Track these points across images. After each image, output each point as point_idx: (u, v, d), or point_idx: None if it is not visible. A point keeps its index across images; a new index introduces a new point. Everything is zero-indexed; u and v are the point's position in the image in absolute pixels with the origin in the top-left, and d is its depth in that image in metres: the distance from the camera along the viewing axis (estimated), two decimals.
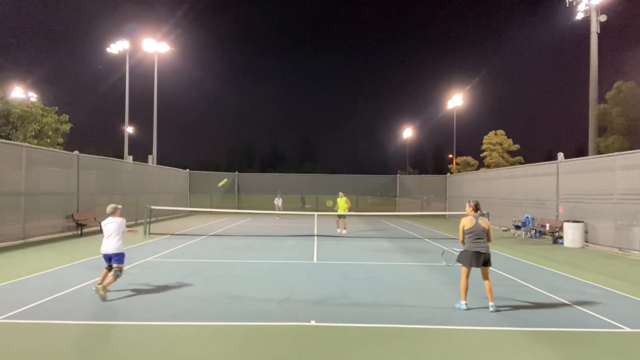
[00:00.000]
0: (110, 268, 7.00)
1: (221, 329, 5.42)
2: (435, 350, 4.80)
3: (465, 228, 6.36)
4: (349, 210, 17.82)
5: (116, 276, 6.87)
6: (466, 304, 6.31)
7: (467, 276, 6.36)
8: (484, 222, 6.38)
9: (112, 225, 7.01)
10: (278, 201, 26.64)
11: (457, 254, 6.63)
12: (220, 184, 18.69)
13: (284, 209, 26.52)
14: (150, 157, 27.96)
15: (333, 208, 18.21)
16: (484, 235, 6.33)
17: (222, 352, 4.65)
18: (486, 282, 6.33)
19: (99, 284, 6.65)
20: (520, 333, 5.37)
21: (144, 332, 5.28)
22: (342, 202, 17.25)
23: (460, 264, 6.43)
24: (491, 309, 6.20)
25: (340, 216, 17.51)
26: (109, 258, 7.02)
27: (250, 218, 25.86)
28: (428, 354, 4.68)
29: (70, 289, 7.23)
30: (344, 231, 17.44)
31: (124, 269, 7.13)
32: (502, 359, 4.62)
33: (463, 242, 6.48)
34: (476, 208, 6.47)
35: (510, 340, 5.14)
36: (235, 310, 6.21)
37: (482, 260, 6.23)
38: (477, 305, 6.43)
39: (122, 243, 7.09)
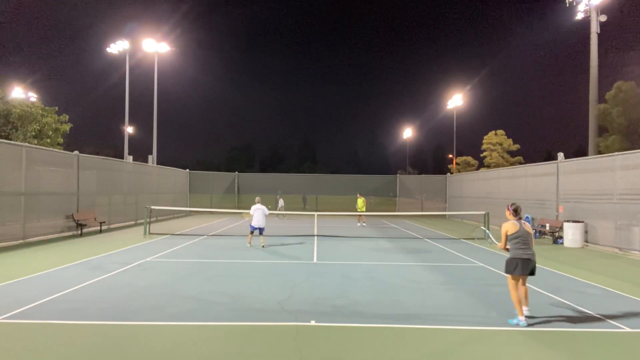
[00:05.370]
0: (253, 232, 12.83)
1: (221, 329, 5.42)
2: (435, 350, 4.79)
3: (509, 233, 5.84)
4: (366, 209, 21.55)
5: (264, 237, 12.73)
6: (526, 319, 5.65)
7: (517, 287, 5.83)
8: (527, 226, 5.91)
9: (260, 210, 12.67)
10: (280, 201, 26.51)
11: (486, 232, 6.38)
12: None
13: (285, 209, 26.45)
14: (150, 157, 27.94)
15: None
16: (530, 239, 5.85)
17: (222, 352, 4.65)
18: (523, 287, 6.04)
19: (250, 243, 12.87)
20: (520, 333, 5.37)
21: (144, 332, 5.28)
22: (361, 202, 20.86)
23: (509, 275, 5.87)
24: (527, 312, 5.90)
25: (360, 214, 21.30)
26: (257, 228, 12.60)
27: (250, 218, 25.77)
28: (428, 354, 4.68)
29: (70, 289, 7.23)
30: (364, 224, 21.56)
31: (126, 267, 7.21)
32: (502, 359, 4.62)
33: (505, 248, 6.03)
34: (516, 212, 5.94)
35: (510, 340, 5.14)
36: (235, 310, 6.21)
37: (531, 268, 5.78)
38: (477, 305, 6.43)
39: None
